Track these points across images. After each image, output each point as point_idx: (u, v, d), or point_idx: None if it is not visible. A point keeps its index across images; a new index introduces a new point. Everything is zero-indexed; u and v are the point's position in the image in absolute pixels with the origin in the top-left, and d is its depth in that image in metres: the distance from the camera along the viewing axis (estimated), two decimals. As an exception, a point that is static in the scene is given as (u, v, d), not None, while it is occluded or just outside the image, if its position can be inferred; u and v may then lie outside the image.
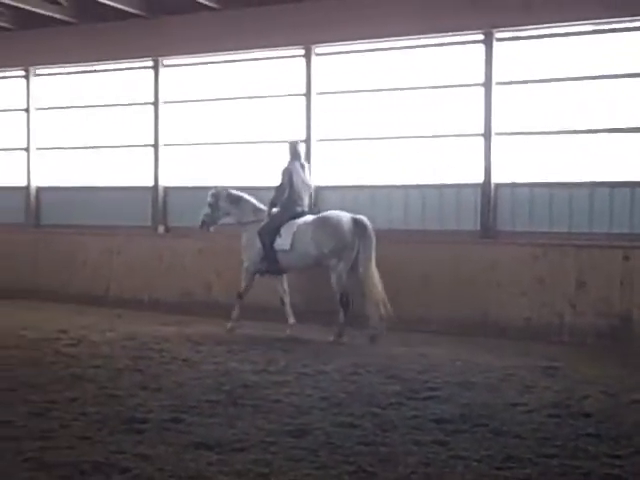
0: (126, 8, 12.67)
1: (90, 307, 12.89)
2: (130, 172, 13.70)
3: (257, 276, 10.93)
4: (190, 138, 13.26)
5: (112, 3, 12.46)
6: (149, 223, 13.47)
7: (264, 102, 12.67)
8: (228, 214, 11.27)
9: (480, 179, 11.12)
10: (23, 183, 14.57)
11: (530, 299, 10.62)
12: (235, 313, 10.88)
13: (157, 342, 9.79)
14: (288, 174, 10.63)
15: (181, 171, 13.30)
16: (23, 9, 13.13)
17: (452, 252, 11.10)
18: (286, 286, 11.04)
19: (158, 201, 13.29)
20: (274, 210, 10.74)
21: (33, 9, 12.96)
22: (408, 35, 11.48)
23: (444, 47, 11.43)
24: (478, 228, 11.20)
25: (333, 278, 10.24)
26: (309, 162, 11.78)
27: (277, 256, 10.55)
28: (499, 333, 10.57)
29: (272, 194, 10.75)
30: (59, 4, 13.10)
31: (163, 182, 13.26)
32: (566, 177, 10.79)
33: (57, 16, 13.23)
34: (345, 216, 10.31)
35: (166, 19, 12.87)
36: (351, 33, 11.70)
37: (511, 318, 10.68)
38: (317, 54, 12.12)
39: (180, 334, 10.55)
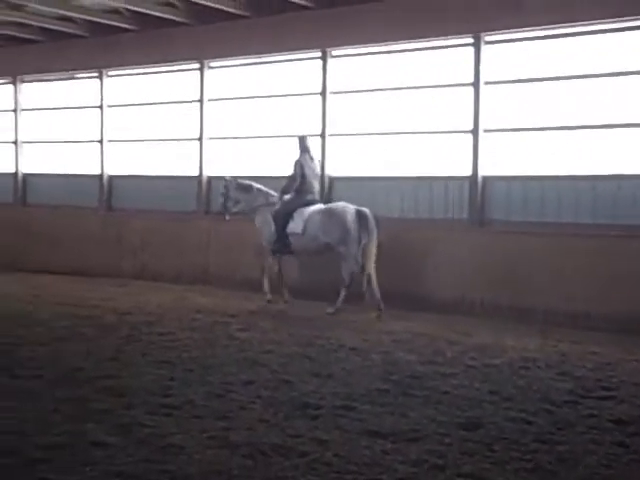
0: (296, 0, 12.92)
1: (256, 293, 13.26)
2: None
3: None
4: (356, 128, 13.36)
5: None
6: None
7: (431, 92, 12.57)
8: (238, 202, 12.69)
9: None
10: (195, 172, 15.11)
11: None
12: (266, 286, 12.20)
13: (322, 330, 9.99)
14: (300, 165, 11.95)
15: (345, 161, 13.42)
16: (198, 3, 13.65)
17: (609, 246, 10.68)
18: (281, 265, 12.32)
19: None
20: (286, 197, 12.01)
21: (208, 3, 13.46)
22: (583, 21, 11.06)
23: (622, 32, 10.93)
24: (638, 223, 10.68)
25: (342, 264, 11.36)
26: (477, 153, 11.75)
27: (289, 239, 11.72)
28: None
29: (284, 182, 12.11)
30: (233, -1, 13.54)
31: (330, 172, 13.42)
32: None
33: (230, 10, 13.66)
34: (350, 208, 11.38)
35: (335, 10, 13.00)
36: (523, 20, 11.36)
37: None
38: (486, 42, 11.89)
39: (346, 322, 10.72)
